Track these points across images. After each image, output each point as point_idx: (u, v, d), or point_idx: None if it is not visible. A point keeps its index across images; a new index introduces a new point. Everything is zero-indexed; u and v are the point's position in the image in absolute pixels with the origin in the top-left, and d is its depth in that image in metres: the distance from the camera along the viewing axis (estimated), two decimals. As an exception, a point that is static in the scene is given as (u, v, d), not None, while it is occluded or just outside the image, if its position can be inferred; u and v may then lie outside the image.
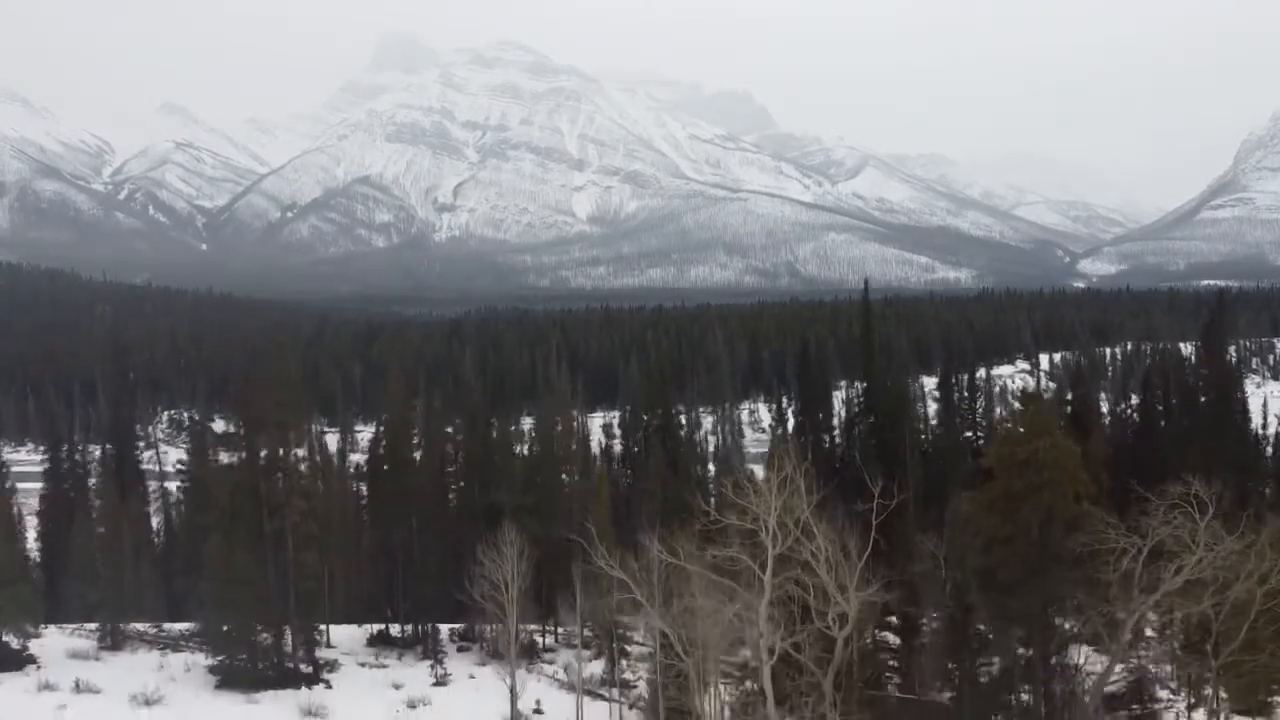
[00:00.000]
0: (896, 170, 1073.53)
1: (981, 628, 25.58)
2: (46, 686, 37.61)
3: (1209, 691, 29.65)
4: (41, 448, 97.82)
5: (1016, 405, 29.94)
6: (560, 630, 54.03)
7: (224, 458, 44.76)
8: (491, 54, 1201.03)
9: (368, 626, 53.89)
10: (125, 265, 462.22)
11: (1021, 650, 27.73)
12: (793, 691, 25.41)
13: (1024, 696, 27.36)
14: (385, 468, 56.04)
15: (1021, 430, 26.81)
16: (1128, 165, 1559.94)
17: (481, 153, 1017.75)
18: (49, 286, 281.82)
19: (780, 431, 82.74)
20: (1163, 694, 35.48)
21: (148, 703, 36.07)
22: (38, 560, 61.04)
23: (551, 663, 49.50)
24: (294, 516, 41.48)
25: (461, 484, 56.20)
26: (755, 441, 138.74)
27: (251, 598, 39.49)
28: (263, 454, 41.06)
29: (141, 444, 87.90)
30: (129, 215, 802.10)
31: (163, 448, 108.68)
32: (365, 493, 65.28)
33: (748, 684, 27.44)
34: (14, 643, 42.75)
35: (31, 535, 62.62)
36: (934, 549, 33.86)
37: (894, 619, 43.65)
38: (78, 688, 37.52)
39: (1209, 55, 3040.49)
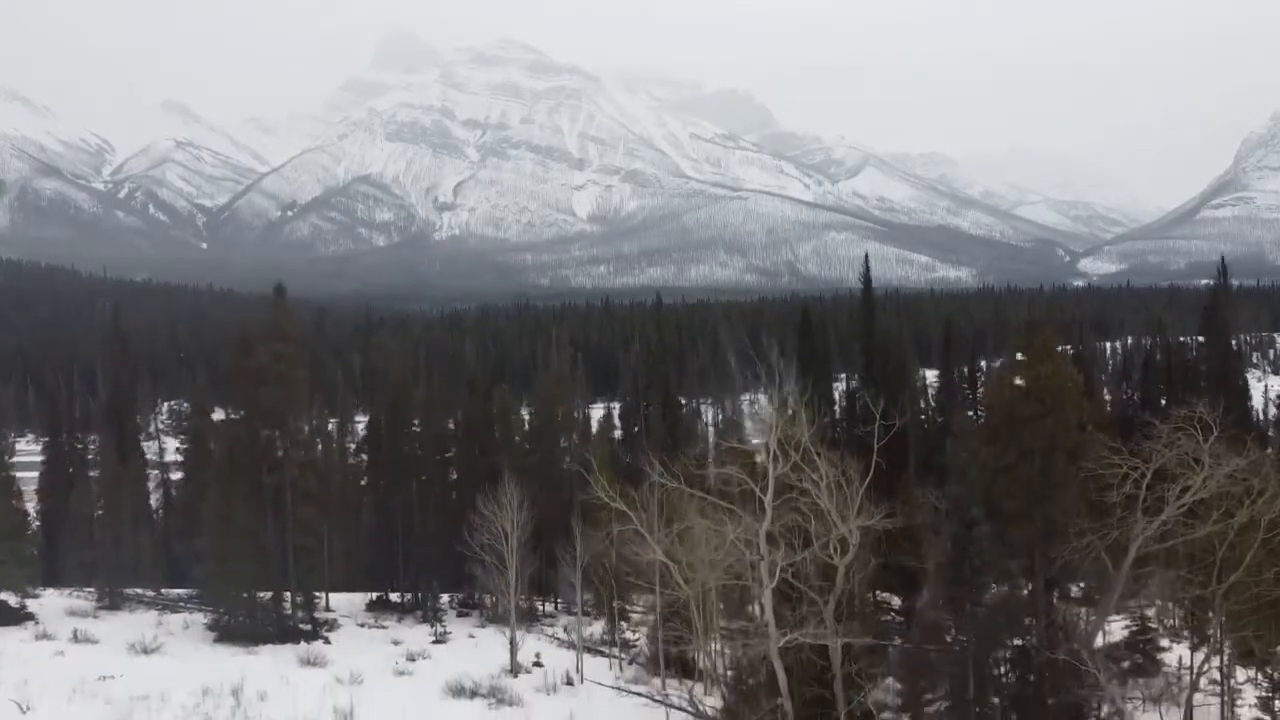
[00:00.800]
0: (897, 169, 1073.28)
1: (985, 549, 25.34)
2: (44, 636, 37.57)
3: (1212, 632, 29.46)
4: (42, 438, 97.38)
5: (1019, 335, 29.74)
6: (559, 600, 54.03)
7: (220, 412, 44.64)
8: (492, 53, 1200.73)
9: (367, 593, 53.88)
10: (126, 264, 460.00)
11: (1024, 581, 27.57)
12: (794, 620, 25.23)
13: (1027, 620, 27.13)
14: (385, 435, 56.01)
15: (1024, 358, 26.66)
16: (1128, 164, 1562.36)
17: (482, 151, 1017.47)
18: (49, 283, 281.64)
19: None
20: (1165, 642, 35.36)
21: (146, 651, 35.91)
22: (37, 533, 60.84)
23: (551, 626, 49.41)
24: (292, 471, 41.37)
25: (461, 450, 56.05)
26: (755, 431, 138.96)
27: (251, 550, 39.36)
28: (263, 410, 40.94)
29: (141, 436, 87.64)
30: (129, 214, 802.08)
31: (163, 439, 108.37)
32: (365, 467, 65.12)
33: (749, 609, 27.26)
34: (12, 600, 42.67)
35: (31, 517, 62.38)
36: (935, 501, 33.70)
37: (895, 590, 43.44)
38: (75, 638, 37.45)
39: (1209, 54, 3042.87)
